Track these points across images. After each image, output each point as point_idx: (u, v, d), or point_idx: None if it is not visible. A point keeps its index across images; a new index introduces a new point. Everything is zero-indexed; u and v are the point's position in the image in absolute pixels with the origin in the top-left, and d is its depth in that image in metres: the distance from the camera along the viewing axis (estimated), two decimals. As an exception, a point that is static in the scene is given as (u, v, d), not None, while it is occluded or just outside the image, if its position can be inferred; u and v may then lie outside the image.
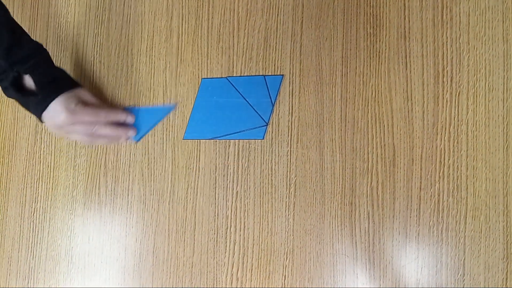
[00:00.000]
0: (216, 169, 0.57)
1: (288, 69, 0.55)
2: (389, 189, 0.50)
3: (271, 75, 0.56)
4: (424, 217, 0.49)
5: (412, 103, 0.51)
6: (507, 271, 0.47)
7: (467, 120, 0.49)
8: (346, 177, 0.52)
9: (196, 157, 0.57)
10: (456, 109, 0.49)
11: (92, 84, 0.63)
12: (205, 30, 0.59)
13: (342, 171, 0.52)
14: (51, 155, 0.64)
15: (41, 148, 0.65)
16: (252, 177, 0.55)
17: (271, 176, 0.54)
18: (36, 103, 0.53)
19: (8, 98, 0.67)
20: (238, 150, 0.56)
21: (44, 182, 0.64)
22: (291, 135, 0.54)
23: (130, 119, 0.58)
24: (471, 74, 0.49)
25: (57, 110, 0.52)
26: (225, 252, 0.55)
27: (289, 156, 0.54)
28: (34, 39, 0.56)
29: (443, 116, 0.50)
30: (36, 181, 0.65)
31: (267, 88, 0.56)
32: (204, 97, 0.58)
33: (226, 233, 0.55)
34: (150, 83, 0.60)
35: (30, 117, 0.66)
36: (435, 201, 0.49)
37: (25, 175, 0.65)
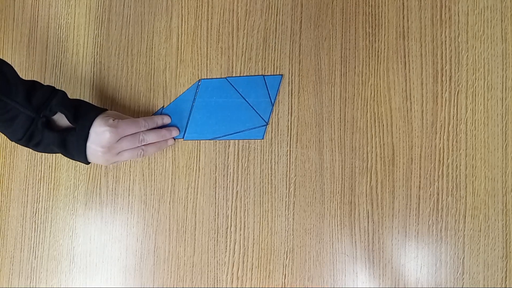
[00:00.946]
0: (216, 169, 0.57)
1: (287, 69, 0.55)
2: (389, 188, 0.51)
3: (271, 75, 0.56)
4: (424, 216, 0.49)
5: (411, 103, 0.51)
6: (506, 270, 0.47)
7: (466, 119, 0.49)
8: (345, 177, 0.52)
9: (196, 157, 0.58)
10: (455, 108, 0.49)
11: (92, 85, 0.63)
12: (204, 31, 0.59)
13: (342, 171, 0.52)
14: (52, 156, 0.64)
15: (42, 149, 0.65)
16: (252, 177, 0.55)
17: (271, 176, 0.55)
18: (76, 137, 0.51)
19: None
20: (238, 150, 0.56)
21: (46, 183, 0.65)
22: (290, 135, 0.54)
23: (166, 119, 0.58)
24: (470, 73, 0.49)
25: (99, 132, 0.51)
26: (226, 252, 0.55)
27: (288, 155, 0.54)
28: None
29: (442, 115, 0.50)
30: (38, 182, 0.65)
31: (267, 88, 0.56)
32: (204, 97, 0.58)
33: (227, 232, 0.56)
34: (150, 84, 0.61)
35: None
36: (434, 200, 0.49)
37: (26, 176, 0.66)
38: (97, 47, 0.64)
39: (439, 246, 0.49)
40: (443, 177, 0.49)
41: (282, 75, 0.55)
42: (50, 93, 0.52)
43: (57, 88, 0.54)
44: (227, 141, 0.57)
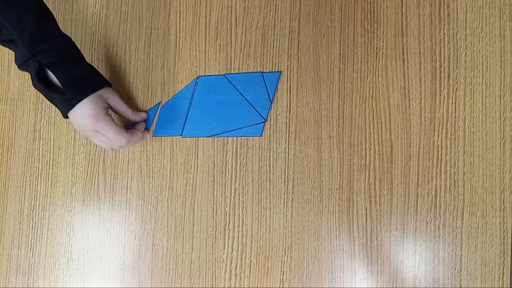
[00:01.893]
0: (214, 166, 0.57)
1: (286, 66, 0.55)
2: (387, 185, 0.51)
3: (269, 72, 0.56)
4: (422, 213, 0.49)
5: (409, 100, 0.51)
6: (503, 267, 0.47)
7: (464, 116, 0.49)
8: (344, 174, 0.52)
9: (195, 154, 0.58)
10: (453, 106, 0.50)
11: (90, 81, 0.63)
12: (202, 28, 0.59)
13: (340, 168, 0.52)
14: (49, 152, 0.64)
15: (39, 146, 0.65)
16: (250, 174, 0.55)
17: (269, 173, 0.55)
18: (63, 102, 0.51)
19: (6, 97, 0.67)
20: (236, 147, 0.56)
21: (43, 180, 0.64)
22: (289, 132, 0.54)
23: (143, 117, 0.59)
24: (468, 70, 0.49)
25: (83, 114, 0.51)
26: (224, 249, 0.55)
27: (287, 152, 0.54)
28: (65, 33, 0.54)
29: (440, 112, 0.50)
30: (35, 179, 0.65)
31: (265, 85, 0.56)
32: (202, 94, 0.58)
33: (225, 229, 0.56)
34: (148, 81, 0.60)
35: (29, 115, 0.66)
36: (432, 197, 0.49)
37: (24, 173, 0.66)
38: (95, 43, 0.64)
39: (437, 243, 0.49)
40: (441, 174, 0.49)
41: (280, 72, 0.55)
42: (57, 45, 0.51)
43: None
44: (226, 138, 0.57)
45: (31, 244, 0.64)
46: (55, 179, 0.64)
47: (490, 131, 0.48)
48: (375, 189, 0.51)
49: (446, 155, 0.49)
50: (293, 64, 0.55)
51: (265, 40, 0.56)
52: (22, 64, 0.51)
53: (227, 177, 0.56)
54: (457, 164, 0.49)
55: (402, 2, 0.52)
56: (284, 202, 0.54)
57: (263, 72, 0.56)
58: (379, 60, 0.52)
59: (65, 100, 0.51)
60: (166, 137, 0.59)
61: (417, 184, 0.50)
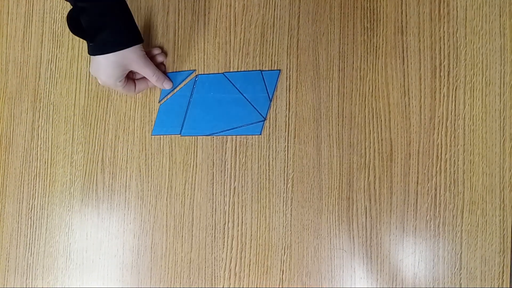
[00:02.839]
0: (213, 164, 0.57)
1: (285, 64, 0.55)
2: (386, 184, 0.50)
3: (268, 70, 0.55)
4: (421, 211, 0.49)
5: (409, 98, 0.51)
6: (503, 265, 0.47)
7: (464, 115, 0.49)
8: (343, 172, 0.52)
9: (194, 152, 0.57)
10: (453, 104, 0.49)
11: (88, 80, 0.63)
12: (201, 26, 0.59)
13: (340, 166, 0.52)
14: (48, 151, 0.64)
15: (38, 145, 0.65)
16: (250, 173, 0.55)
17: (269, 172, 0.54)
18: (91, 48, 0.51)
19: (3, 96, 0.67)
20: (236, 146, 0.56)
21: (42, 179, 0.64)
22: (288, 130, 0.54)
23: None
24: (468, 68, 0.49)
25: (100, 70, 0.52)
26: (223, 248, 0.55)
27: (286, 151, 0.54)
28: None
29: (440, 110, 0.50)
30: (34, 178, 0.65)
31: (264, 83, 0.55)
32: (201, 93, 0.58)
33: (224, 228, 0.56)
34: (146, 79, 0.60)
35: (27, 114, 0.66)
36: (432, 196, 0.49)
37: (22, 172, 0.65)
38: (93, 42, 0.63)
39: (436, 241, 0.49)
40: (441, 172, 0.49)
41: (280, 70, 0.55)
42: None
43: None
44: (225, 136, 0.56)
45: (29, 244, 0.64)
46: (53, 178, 0.63)
47: (490, 130, 0.48)
48: (374, 187, 0.51)
49: (446, 154, 0.49)
50: (293, 62, 0.55)
51: (264, 38, 0.56)
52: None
53: (226, 176, 0.56)
54: (457, 163, 0.49)
55: (402, 0, 0.52)
56: (283, 201, 0.54)
57: (262, 71, 0.56)
58: (378, 58, 0.52)
59: (89, 48, 0.51)
60: (165, 136, 0.59)
61: (417, 183, 0.50)
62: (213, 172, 0.56)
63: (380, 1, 0.52)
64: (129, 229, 0.59)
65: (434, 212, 0.49)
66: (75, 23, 0.49)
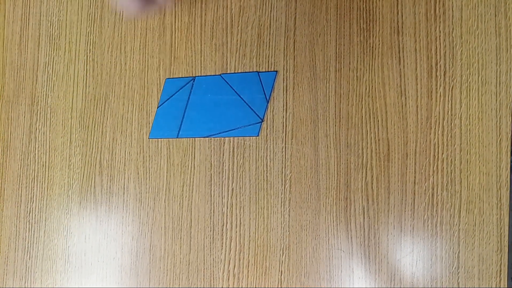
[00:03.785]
0: (211, 166, 0.57)
1: (282, 65, 0.55)
2: (384, 184, 0.51)
3: (265, 72, 0.55)
4: (419, 211, 0.49)
5: (405, 98, 0.51)
6: (501, 264, 0.47)
7: (461, 114, 0.49)
8: (341, 173, 0.52)
9: (191, 154, 0.57)
10: (450, 103, 0.50)
11: (85, 83, 0.63)
12: (198, 27, 0.59)
13: (337, 167, 0.52)
14: (45, 154, 0.64)
15: (35, 148, 0.65)
16: (248, 174, 0.55)
17: (267, 173, 0.55)
18: None
19: (1, 99, 0.67)
20: (233, 147, 0.56)
21: (39, 182, 0.64)
22: (285, 131, 0.54)
23: None
24: (464, 68, 0.49)
25: None
26: (222, 249, 0.55)
27: (284, 152, 0.54)
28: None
29: (436, 110, 0.50)
30: (31, 181, 0.65)
31: (261, 84, 0.55)
32: (198, 95, 0.58)
33: (222, 230, 0.56)
34: (144, 81, 0.60)
35: (24, 117, 0.66)
36: (429, 195, 0.49)
37: (20, 175, 0.65)
38: (90, 44, 0.63)
39: (434, 240, 0.49)
40: (438, 172, 0.49)
41: (276, 71, 0.55)
42: None
43: None
44: (222, 138, 0.56)
45: (28, 247, 0.64)
46: (51, 181, 0.63)
47: (486, 129, 0.48)
48: (372, 187, 0.51)
49: (442, 153, 0.49)
50: (289, 64, 0.55)
51: (261, 40, 0.56)
52: None
53: (224, 177, 0.56)
54: (453, 162, 0.49)
55: (398, 1, 0.52)
56: (281, 202, 0.54)
57: (259, 72, 0.56)
58: (375, 58, 0.52)
59: None
60: (162, 138, 0.59)
61: (414, 182, 0.50)
62: (211, 174, 0.57)
63: (376, 2, 0.52)
64: (127, 231, 0.59)
65: (432, 212, 0.49)
66: None
